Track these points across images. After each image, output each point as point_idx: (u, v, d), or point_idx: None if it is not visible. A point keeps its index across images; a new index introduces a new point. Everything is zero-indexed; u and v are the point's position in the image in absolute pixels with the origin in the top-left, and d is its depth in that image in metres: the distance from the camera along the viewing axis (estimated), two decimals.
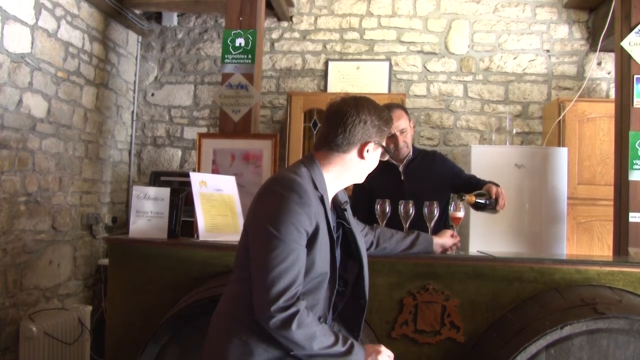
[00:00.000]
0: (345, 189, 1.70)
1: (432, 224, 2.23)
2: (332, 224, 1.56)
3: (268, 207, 1.43)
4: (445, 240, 2.15)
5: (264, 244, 1.40)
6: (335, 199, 1.63)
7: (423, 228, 2.22)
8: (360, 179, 1.64)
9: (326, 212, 1.49)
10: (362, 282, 1.64)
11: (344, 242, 1.64)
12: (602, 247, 3.82)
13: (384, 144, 1.60)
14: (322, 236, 1.46)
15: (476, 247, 3.56)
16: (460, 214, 2.22)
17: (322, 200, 1.49)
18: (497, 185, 2.46)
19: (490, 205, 2.36)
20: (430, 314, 2.09)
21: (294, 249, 1.38)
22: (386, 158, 1.66)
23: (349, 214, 1.65)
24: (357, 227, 1.72)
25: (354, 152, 1.55)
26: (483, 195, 2.35)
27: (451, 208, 2.23)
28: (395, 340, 2.09)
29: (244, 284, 1.45)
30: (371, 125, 1.53)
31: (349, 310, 1.65)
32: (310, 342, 1.38)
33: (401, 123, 2.64)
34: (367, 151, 1.55)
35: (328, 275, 1.49)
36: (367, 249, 1.85)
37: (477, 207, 2.39)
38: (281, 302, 1.35)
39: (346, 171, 1.57)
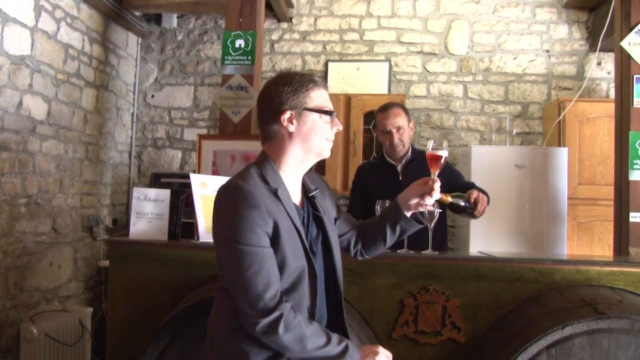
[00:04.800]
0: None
1: (432, 224, 2.22)
2: (302, 214, 1.52)
3: (220, 219, 1.42)
4: (409, 192, 1.68)
5: (227, 255, 1.39)
6: (305, 186, 1.58)
7: (422, 228, 2.20)
8: (318, 152, 1.52)
9: (284, 206, 1.44)
10: (335, 275, 1.57)
11: (325, 233, 1.58)
12: (602, 247, 3.82)
13: (311, 105, 1.48)
14: (284, 231, 1.41)
15: (477, 247, 3.56)
16: (442, 153, 1.71)
17: (276, 194, 1.44)
18: (484, 192, 2.46)
19: (468, 209, 2.33)
20: (431, 314, 2.09)
21: (257, 252, 1.36)
22: (332, 118, 1.51)
23: (319, 200, 1.59)
24: (330, 215, 1.63)
25: (280, 130, 1.48)
26: (462, 197, 2.31)
27: (429, 147, 1.74)
28: (396, 341, 2.09)
29: (229, 292, 1.43)
30: (280, 94, 1.46)
31: (331, 309, 1.58)
32: (301, 343, 1.36)
33: (398, 120, 2.65)
34: (292, 121, 1.46)
35: (306, 268, 1.45)
36: (362, 246, 1.76)
37: (454, 209, 2.37)
38: (261, 306, 1.33)
39: (288, 152, 1.49)
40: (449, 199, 2.11)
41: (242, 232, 1.36)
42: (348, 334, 1.56)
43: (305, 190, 1.59)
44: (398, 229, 1.69)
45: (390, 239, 1.71)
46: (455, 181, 2.68)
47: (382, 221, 1.72)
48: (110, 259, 2.38)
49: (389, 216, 1.70)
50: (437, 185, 1.63)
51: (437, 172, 1.68)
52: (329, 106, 1.52)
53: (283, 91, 1.47)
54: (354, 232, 1.76)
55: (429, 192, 1.63)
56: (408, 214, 1.68)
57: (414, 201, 1.66)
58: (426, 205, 1.66)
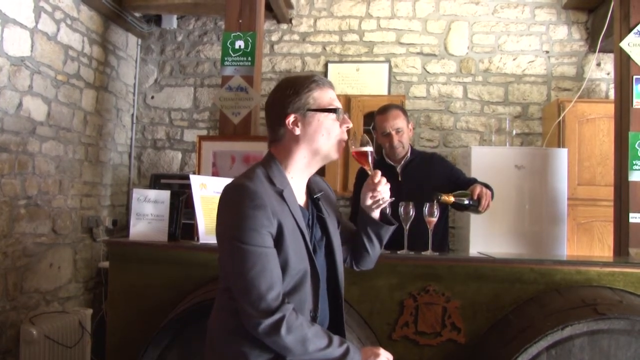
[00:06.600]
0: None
1: (432, 225, 2.22)
2: (307, 216, 1.52)
3: (225, 218, 1.42)
4: (363, 195, 1.66)
5: (231, 255, 1.38)
6: (310, 189, 1.58)
7: (423, 229, 2.22)
8: (326, 154, 1.51)
9: (290, 207, 1.44)
10: (337, 277, 1.57)
11: (328, 235, 1.58)
12: (602, 248, 3.82)
13: (314, 106, 1.48)
14: (289, 232, 1.41)
15: (476, 248, 3.56)
16: (366, 148, 1.64)
17: (282, 195, 1.44)
18: (487, 186, 2.46)
19: (472, 206, 2.34)
20: (431, 315, 2.09)
21: (260, 253, 1.35)
22: (340, 118, 1.50)
23: (324, 203, 1.59)
24: (333, 218, 1.64)
25: (286, 134, 1.48)
26: (465, 195, 2.32)
27: (352, 147, 1.66)
28: (396, 342, 2.09)
29: (230, 293, 1.43)
30: (283, 98, 1.47)
31: (331, 311, 1.58)
32: (303, 345, 1.35)
33: (397, 122, 2.67)
34: (297, 124, 1.46)
35: (308, 270, 1.45)
36: (353, 259, 1.76)
37: (459, 207, 2.37)
38: (263, 306, 1.33)
39: (295, 155, 1.49)
40: (452, 199, 2.11)
41: (247, 231, 1.35)
42: (345, 337, 1.55)
43: (309, 192, 1.58)
44: (372, 234, 1.67)
45: (370, 247, 1.69)
46: (456, 179, 2.69)
47: (358, 231, 1.71)
48: (110, 260, 2.38)
49: (361, 224, 1.69)
50: (378, 177, 1.60)
51: (371, 167, 1.63)
52: (335, 104, 1.50)
53: (285, 95, 1.47)
54: (347, 244, 1.75)
55: (374, 187, 1.61)
56: (376, 217, 1.66)
57: (369, 201, 1.63)
58: (381, 199, 1.62)
